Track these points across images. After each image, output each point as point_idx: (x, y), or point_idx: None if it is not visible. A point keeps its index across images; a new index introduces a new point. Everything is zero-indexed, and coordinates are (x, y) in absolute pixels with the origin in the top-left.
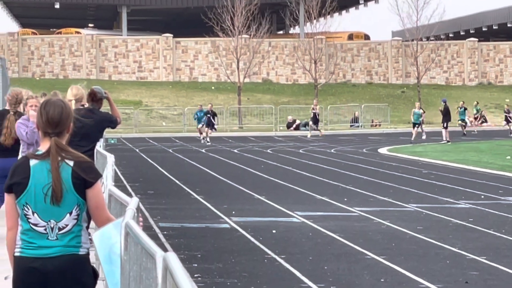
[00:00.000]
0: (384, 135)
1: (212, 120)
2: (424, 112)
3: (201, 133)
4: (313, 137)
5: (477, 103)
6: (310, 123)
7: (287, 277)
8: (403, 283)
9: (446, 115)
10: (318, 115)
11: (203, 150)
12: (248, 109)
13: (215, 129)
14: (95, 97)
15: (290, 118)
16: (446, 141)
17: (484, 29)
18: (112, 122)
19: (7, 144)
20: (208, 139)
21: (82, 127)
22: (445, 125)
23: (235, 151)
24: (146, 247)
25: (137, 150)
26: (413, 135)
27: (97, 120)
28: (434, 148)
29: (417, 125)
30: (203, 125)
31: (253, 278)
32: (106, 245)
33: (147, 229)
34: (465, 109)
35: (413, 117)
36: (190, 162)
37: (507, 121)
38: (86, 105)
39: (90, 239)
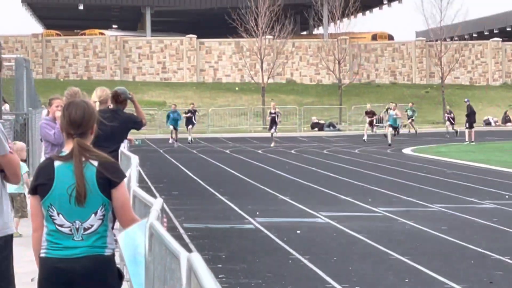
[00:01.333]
0: (408, 135)
1: (193, 118)
2: (414, 111)
3: (171, 136)
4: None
5: (412, 104)
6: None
7: (311, 277)
8: (427, 283)
9: (470, 116)
10: (278, 117)
11: (227, 151)
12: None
13: (193, 125)
14: (119, 98)
15: (314, 118)
16: (469, 142)
17: (508, 29)
18: (136, 123)
19: None
20: (190, 137)
21: (106, 128)
22: (467, 125)
23: (259, 151)
24: (171, 247)
25: (161, 151)
26: (390, 137)
27: (121, 121)
28: (458, 148)
29: (395, 128)
30: (176, 128)
31: (277, 279)
32: (131, 246)
33: (172, 229)
34: (414, 110)
35: (389, 119)
36: (214, 162)
37: (450, 123)
38: (111, 106)
39: (115, 240)
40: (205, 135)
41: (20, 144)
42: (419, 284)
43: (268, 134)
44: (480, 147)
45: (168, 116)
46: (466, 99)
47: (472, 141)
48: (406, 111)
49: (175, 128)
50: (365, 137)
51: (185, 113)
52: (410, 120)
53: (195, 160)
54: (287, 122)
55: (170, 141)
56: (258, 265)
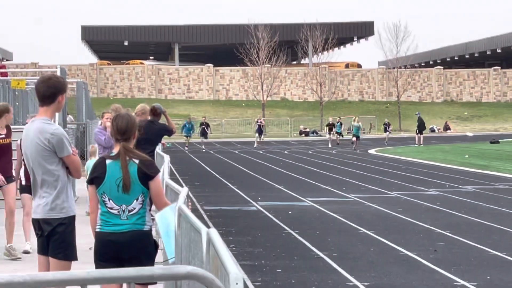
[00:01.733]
0: (373, 140)
1: (206, 130)
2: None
3: (185, 143)
4: (258, 144)
5: (357, 118)
6: (256, 134)
7: (300, 247)
8: (387, 251)
9: (420, 125)
10: (262, 126)
11: (236, 152)
12: (270, 120)
13: (207, 137)
14: (155, 112)
15: (301, 127)
16: (418, 145)
17: (447, 59)
18: (168, 131)
19: None
20: (203, 147)
21: (146, 134)
22: (417, 132)
23: (261, 152)
24: (194, 224)
25: (187, 152)
26: (355, 145)
27: (157, 129)
28: (410, 149)
29: (357, 137)
30: (188, 136)
31: (274, 248)
32: (165, 223)
33: (195, 211)
34: (341, 123)
35: (352, 130)
36: (226, 160)
37: (385, 131)
38: (149, 118)
39: (152, 219)
40: (220, 140)
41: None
42: (381, 251)
43: (267, 139)
44: (427, 148)
45: (183, 127)
46: (417, 112)
47: (421, 144)
48: (350, 126)
49: (187, 136)
50: (330, 145)
51: (200, 125)
52: (347, 137)
53: (212, 159)
54: (280, 129)
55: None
56: (259, 238)
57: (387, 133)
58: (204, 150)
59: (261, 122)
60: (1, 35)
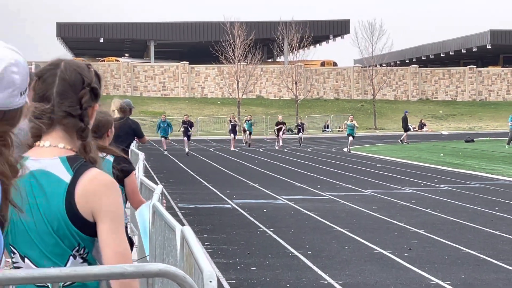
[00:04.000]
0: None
1: (189, 129)
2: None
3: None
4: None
5: (250, 117)
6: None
7: (274, 245)
8: (362, 249)
9: (404, 123)
10: (237, 126)
11: (211, 149)
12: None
13: (189, 137)
14: (124, 110)
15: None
16: (401, 142)
17: (423, 58)
18: (139, 136)
19: None
20: (187, 149)
21: (120, 131)
22: (404, 130)
23: (236, 150)
24: (168, 222)
25: (161, 149)
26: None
27: (131, 128)
28: (385, 147)
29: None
30: (165, 137)
31: (249, 246)
32: (142, 220)
33: (169, 208)
34: (302, 125)
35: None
36: (201, 158)
37: (298, 131)
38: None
39: (128, 216)
40: (195, 137)
41: None
42: (356, 249)
43: (240, 137)
44: (402, 147)
45: (158, 126)
46: (406, 111)
47: (406, 142)
48: (244, 124)
49: (165, 137)
50: (276, 146)
51: (182, 124)
52: (247, 133)
53: (187, 156)
54: (256, 128)
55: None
56: (234, 236)
57: (298, 132)
58: (187, 154)
59: (235, 121)
60: None
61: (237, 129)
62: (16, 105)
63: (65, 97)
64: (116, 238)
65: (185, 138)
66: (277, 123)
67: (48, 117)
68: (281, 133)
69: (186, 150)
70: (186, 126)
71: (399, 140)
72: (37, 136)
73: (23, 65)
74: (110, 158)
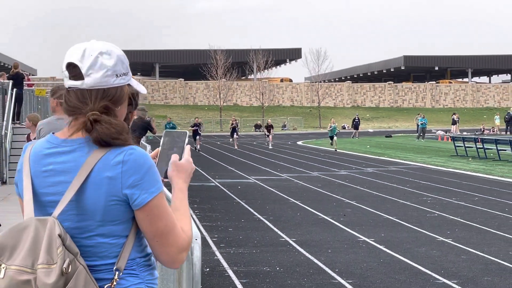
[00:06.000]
0: (300, 134)
1: (198, 130)
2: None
3: None
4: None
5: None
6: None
7: (246, 212)
8: (309, 215)
9: (355, 123)
10: (237, 128)
11: (200, 143)
12: (226, 120)
13: (199, 135)
14: (143, 113)
15: (258, 123)
16: (352, 137)
17: (355, 76)
18: (151, 130)
19: None
20: (198, 147)
21: (137, 127)
22: (354, 128)
23: (218, 143)
24: (166, 196)
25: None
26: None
27: (144, 126)
28: (327, 141)
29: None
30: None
31: (227, 213)
32: None
33: (166, 185)
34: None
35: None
36: (192, 150)
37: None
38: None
39: None
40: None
41: None
42: (305, 216)
43: (223, 133)
44: (340, 140)
45: (165, 127)
46: (356, 113)
47: (356, 137)
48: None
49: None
50: (270, 146)
51: (191, 126)
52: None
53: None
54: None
55: None
56: (216, 206)
57: (267, 134)
58: (198, 150)
59: (198, 124)
60: (27, 55)
61: (200, 130)
62: (113, 84)
63: None
64: None
65: (197, 137)
66: (267, 126)
67: None
68: (270, 136)
69: (198, 146)
70: (196, 128)
71: (352, 137)
72: None
73: (116, 54)
74: None
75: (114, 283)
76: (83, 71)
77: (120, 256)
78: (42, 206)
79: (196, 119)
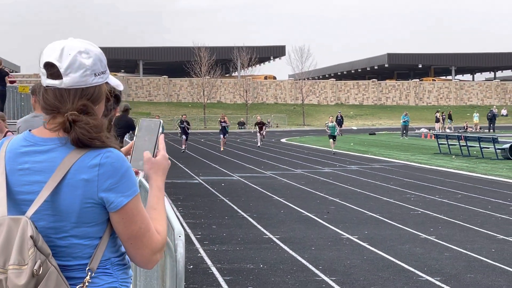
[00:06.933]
0: (284, 132)
1: (186, 129)
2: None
3: None
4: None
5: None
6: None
7: (229, 209)
8: (292, 213)
9: (339, 122)
10: (227, 127)
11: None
12: (209, 117)
13: (187, 137)
14: (126, 109)
15: (242, 119)
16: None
17: (339, 73)
18: (134, 129)
19: None
20: (183, 147)
21: (120, 123)
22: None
23: (202, 140)
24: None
25: None
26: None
27: (128, 123)
28: (310, 138)
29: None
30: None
31: (211, 210)
32: None
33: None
34: (264, 123)
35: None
36: (177, 147)
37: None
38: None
39: None
40: (173, 131)
41: None
42: (288, 213)
43: (207, 130)
44: (324, 138)
45: None
46: (339, 111)
47: (340, 134)
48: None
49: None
50: (259, 144)
51: (179, 124)
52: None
53: (167, 146)
54: (217, 124)
55: None
56: (200, 203)
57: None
58: (183, 151)
59: (225, 122)
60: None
61: (187, 129)
62: (91, 83)
63: None
64: None
65: (184, 137)
66: (257, 123)
67: None
68: (263, 132)
69: (184, 147)
70: (183, 126)
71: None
72: None
73: (95, 52)
74: None
75: (86, 283)
76: (62, 70)
77: (93, 257)
78: (17, 204)
79: (184, 116)
